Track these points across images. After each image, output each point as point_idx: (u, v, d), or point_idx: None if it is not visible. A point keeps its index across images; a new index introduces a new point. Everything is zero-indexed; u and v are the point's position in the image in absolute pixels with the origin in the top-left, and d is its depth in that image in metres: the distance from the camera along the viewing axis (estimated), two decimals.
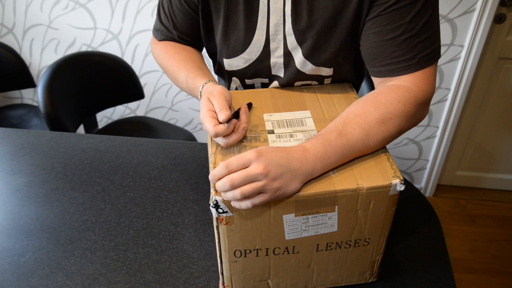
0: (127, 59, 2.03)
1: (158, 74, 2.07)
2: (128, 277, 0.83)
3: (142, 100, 2.18)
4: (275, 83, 0.91)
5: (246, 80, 0.93)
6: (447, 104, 1.95)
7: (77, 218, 0.96)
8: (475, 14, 1.68)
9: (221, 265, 0.72)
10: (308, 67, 0.85)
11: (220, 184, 0.61)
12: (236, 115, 0.72)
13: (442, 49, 1.79)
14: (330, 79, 0.90)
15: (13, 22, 2.01)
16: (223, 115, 0.69)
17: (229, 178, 0.60)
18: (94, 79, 1.66)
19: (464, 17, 1.70)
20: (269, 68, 0.89)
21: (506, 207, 2.21)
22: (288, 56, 0.85)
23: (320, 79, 0.89)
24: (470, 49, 1.77)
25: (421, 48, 0.72)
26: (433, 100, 1.95)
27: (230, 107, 0.75)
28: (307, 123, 0.77)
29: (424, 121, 2.02)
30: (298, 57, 0.84)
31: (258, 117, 0.79)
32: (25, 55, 2.10)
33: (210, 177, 0.62)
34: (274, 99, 0.85)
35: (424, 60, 0.73)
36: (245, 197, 0.60)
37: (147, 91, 2.13)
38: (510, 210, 2.19)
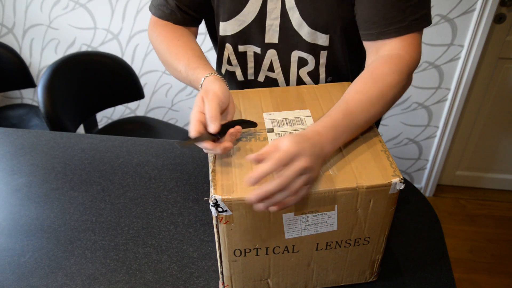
0: (127, 59, 2.03)
1: (158, 74, 2.07)
2: (128, 277, 0.83)
3: (142, 100, 2.18)
4: (271, 53, 0.92)
5: (239, 47, 0.93)
6: (447, 104, 1.95)
7: (77, 218, 0.96)
8: (475, 14, 1.68)
9: (221, 265, 0.72)
10: (304, 30, 0.86)
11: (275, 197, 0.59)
12: (225, 129, 0.69)
13: (442, 49, 1.79)
14: (326, 52, 0.90)
15: (13, 22, 2.01)
16: (212, 128, 0.67)
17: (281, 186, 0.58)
18: (94, 79, 1.66)
19: (464, 17, 1.70)
20: (263, 32, 0.89)
21: (506, 207, 2.21)
22: (284, 17, 0.86)
23: (316, 50, 0.90)
24: (470, 49, 1.77)
25: (410, 12, 0.77)
26: (433, 100, 1.95)
27: (225, 110, 0.73)
28: (307, 121, 0.77)
29: (424, 121, 2.02)
30: (295, 18, 0.85)
31: (258, 116, 0.79)
32: (25, 55, 2.10)
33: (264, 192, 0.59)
34: (274, 98, 0.85)
35: (414, 23, 0.78)
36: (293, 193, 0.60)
37: (147, 91, 2.13)
38: (510, 210, 2.19)
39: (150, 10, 0.95)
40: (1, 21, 2.01)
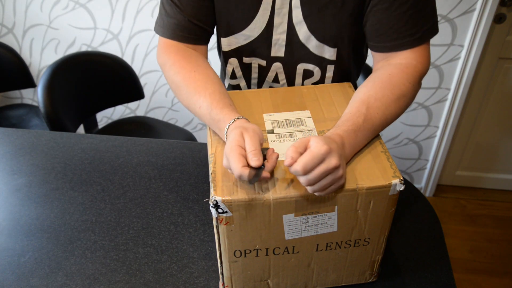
0: (127, 59, 2.03)
1: (158, 74, 2.07)
2: (128, 277, 0.83)
3: (142, 100, 2.18)
4: (276, 65, 0.91)
5: (244, 58, 0.92)
6: (447, 104, 1.95)
7: (77, 218, 0.96)
8: (475, 14, 1.68)
9: (221, 265, 0.72)
10: (312, 43, 0.86)
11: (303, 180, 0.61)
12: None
13: (442, 49, 1.79)
14: (332, 66, 0.90)
15: (13, 22, 2.01)
16: (255, 160, 0.62)
17: (308, 179, 0.59)
18: (94, 79, 1.66)
19: (464, 17, 1.70)
20: (269, 47, 0.88)
21: (506, 207, 2.21)
22: (291, 31, 0.86)
23: (322, 63, 0.89)
24: (470, 49, 1.77)
25: (422, 23, 0.78)
26: (433, 100, 1.95)
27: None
28: (307, 122, 0.77)
29: (424, 121, 2.02)
30: (303, 32, 0.85)
31: (258, 117, 0.79)
32: (25, 55, 2.10)
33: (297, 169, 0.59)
34: (274, 99, 0.85)
35: (426, 34, 0.79)
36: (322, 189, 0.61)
37: (147, 91, 2.13)
38: (510, 210, 2.19)
39: (158, 32, 0.88)
40: (1, 21, 2.01)
